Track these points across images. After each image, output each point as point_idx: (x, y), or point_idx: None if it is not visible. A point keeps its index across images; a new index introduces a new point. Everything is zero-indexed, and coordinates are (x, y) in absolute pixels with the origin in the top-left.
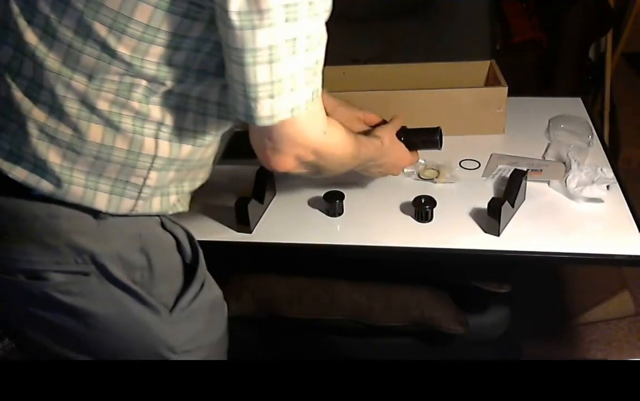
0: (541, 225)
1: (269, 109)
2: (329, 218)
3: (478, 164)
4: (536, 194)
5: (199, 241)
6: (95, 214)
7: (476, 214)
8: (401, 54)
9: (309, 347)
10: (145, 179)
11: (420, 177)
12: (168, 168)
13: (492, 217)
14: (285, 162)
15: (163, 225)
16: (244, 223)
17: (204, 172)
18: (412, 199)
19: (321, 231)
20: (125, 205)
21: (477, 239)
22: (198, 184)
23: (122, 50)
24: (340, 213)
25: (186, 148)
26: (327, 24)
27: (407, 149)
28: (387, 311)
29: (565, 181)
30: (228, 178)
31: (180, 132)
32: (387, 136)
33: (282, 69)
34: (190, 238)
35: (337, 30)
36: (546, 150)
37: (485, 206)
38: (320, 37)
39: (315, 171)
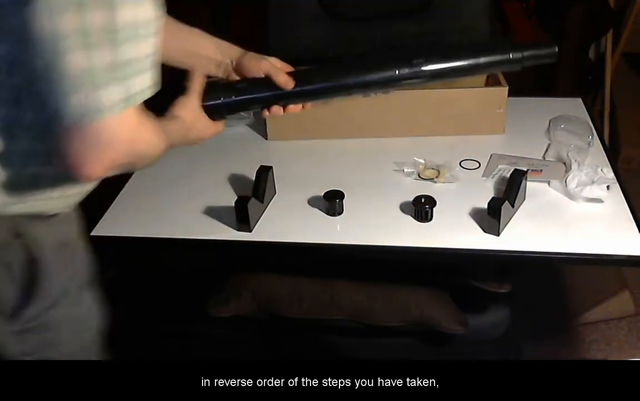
0: (541, 225)
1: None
2: (329, 217)
3: (478, 164)
4: (536, 194)
5: (200, 240)
6: None
7: (476, 214)
8: None
9: (309, 347)
10: None
11: (420, 177)
12: None
13: (492, 217)
14: (93, 170)
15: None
16: (244, 222)
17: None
18: (412, 199)
19: (321, 230)
20: None
21: (477, 239)
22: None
23: None
24: (340, 213)
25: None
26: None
27: (210, 121)
28: (387, 311)
29: (565, 181)
30: (228, 177)
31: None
32: (188, 114)
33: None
34: (34, 255)
35: (337, 30)
36: (546, 150)
37: (485, 206)
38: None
39: (127, 168)
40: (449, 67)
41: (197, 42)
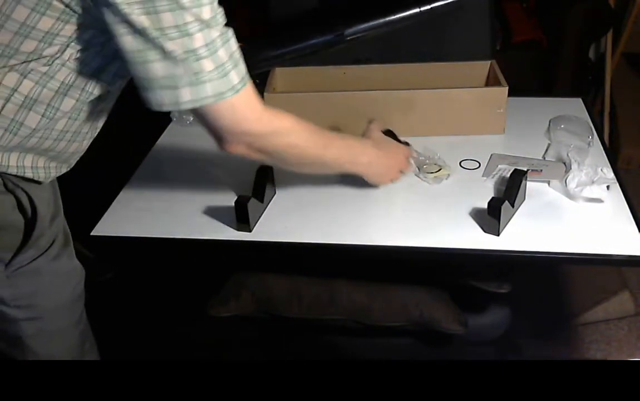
0: (541, 225)
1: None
2: (329, 217)
3: (478, 164)
4: (536, 194)
5: (199, 240)
6: None
7: (476, 214)
8: (401, 54)
9: (309, 347)
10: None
11: (420, 177)
12: (16, 131)
13: (492, 217)
14: (233, 148)
15: (5, 186)
16: (243, 222)
17: (61, 146)
18: (412, 198)
19: (321, 230)
20: None
21: (477, 239)
22: (54, 164)
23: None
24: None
25: (33, 116)
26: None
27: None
28: (387, 311)
29: (565, 181)
30: (228, 177)
31: (29, 101)
32: (372, 133)
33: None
34: (31, 201)
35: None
36: (546, 150)
37: (485, 206)
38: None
39: (273, 158)
40: (368, 27)
41: None
